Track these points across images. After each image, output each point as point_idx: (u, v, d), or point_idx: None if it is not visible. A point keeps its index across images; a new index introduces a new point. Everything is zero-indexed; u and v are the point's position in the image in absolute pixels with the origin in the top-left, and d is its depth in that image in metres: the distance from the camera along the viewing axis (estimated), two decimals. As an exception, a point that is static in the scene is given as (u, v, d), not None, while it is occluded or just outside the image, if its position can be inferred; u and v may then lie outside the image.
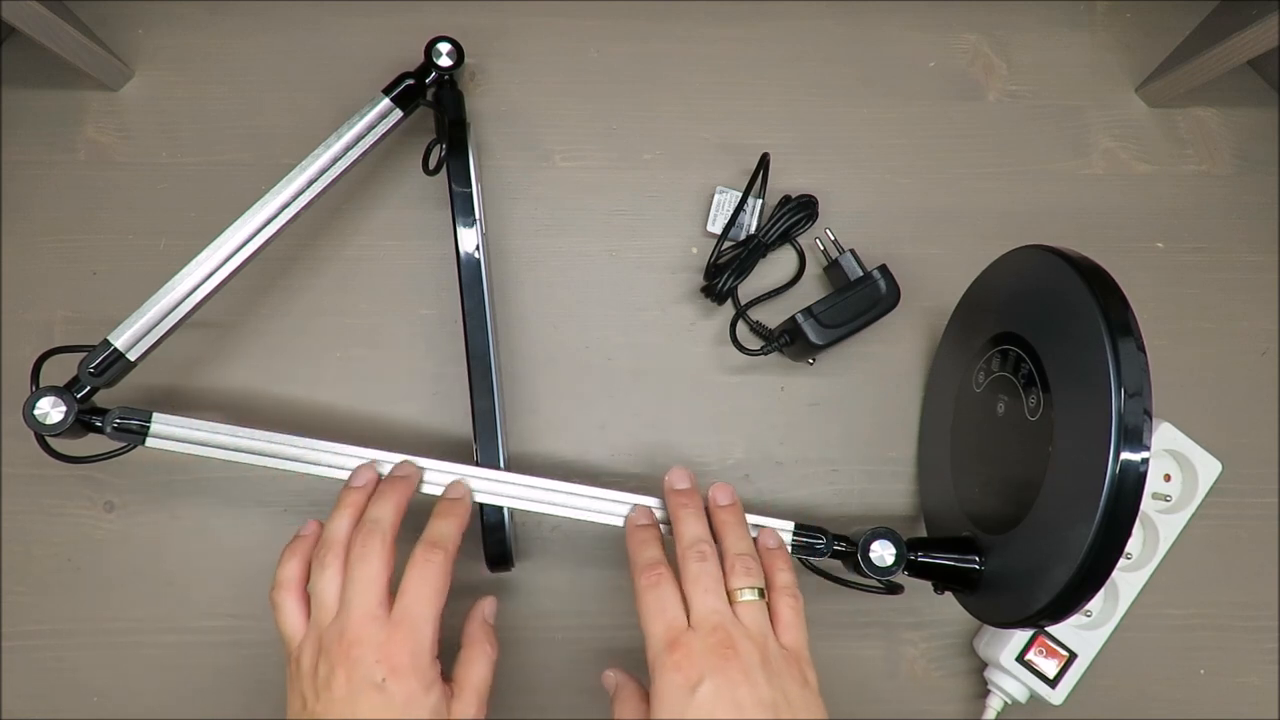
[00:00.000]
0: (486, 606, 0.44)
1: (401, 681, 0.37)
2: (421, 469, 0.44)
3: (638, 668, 0.52)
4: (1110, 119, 0.60)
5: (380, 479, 0.44)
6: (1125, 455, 0.34)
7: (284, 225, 0.47)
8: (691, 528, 0.42)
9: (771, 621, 0.40)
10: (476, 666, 0.41)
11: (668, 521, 0.44)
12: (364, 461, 0.44)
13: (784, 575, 0.42)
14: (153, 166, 0.56)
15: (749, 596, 0.40)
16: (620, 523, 0.44)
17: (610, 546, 0.53)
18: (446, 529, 0.42)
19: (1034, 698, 0.50)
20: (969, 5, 0.62)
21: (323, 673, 0.37)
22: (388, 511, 0.41)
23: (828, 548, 0.45)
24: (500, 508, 0.46)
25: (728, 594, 0.40)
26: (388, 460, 0.44)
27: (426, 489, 0.44)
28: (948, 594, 0.46)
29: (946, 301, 0.52)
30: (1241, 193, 0.60)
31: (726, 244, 0.55)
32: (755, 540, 0.43)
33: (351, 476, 0.43)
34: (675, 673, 0.37)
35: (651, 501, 0.45)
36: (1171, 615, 0.53)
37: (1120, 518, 0.34)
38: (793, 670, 0.38)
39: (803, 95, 0.59)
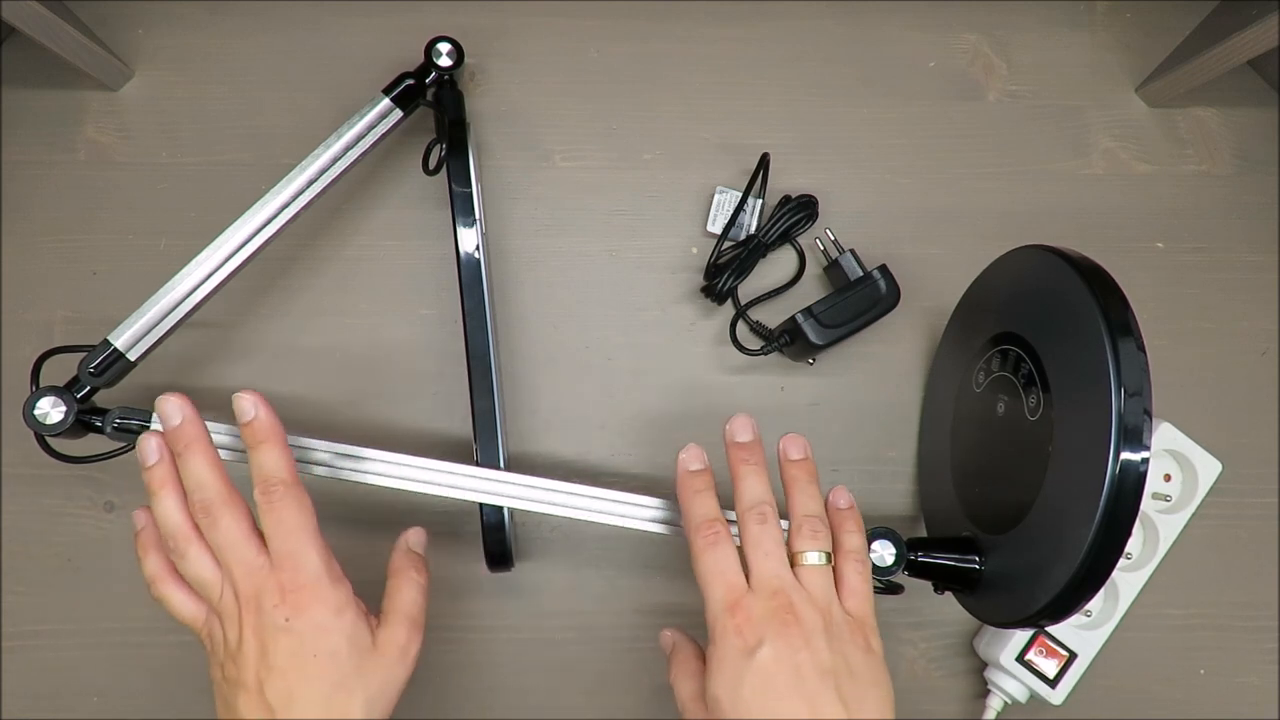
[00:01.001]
0: (412, 536, 0.43)
1: (305, 615, 0.36)
2: (186, 401, 0.40)
3: (637, 669, 0.52)
4: (1110, 119, 0.60)
5: (167, 436, 0.40)
6: (1125, 455, 0.34)
7: (284, 225, 0.47)
8: (753, 487, 0.40)
9: (837, 586, 0.39)
10: (403, 593, 0.40)
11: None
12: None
13: (852, 538, 0.40)
14: (153, 166, 0.56)
15: (814, 560, 0.38)
16: (620, 523, 0.44)
17: (610, 546, 0.53)
18: (268, 459, 0.39)
19: (1034, 698, 0.50)
20: (969, 5, 0.62)
21: (231, 638, 0.37)
22: (202, 469, 0.38)
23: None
24: (500, 508, 0.46)
25: (791, 556, 0.39)
26: (367, 455, 0.44)
27: (424, 488, 0.44)
28: (948, 594, 0.46)
29: (946, 301, 0.52)
30: (1241, 193, 0.60)
31: (726, 244, 0.55)
32: (826, 498, 0.42)
33: (142, 456, 0.39)
34: (735, 636, 0.36)
35: (655, 501, 0.45)
36: (1171, 615, 0.53)
37: (1120, 518, 0.34)
38: (856, 637, 0.37)
39: (803, 95, 0.59)
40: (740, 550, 0.39)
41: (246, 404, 0.40)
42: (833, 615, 0.37)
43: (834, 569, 0.39)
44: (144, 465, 0.39)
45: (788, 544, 0.39)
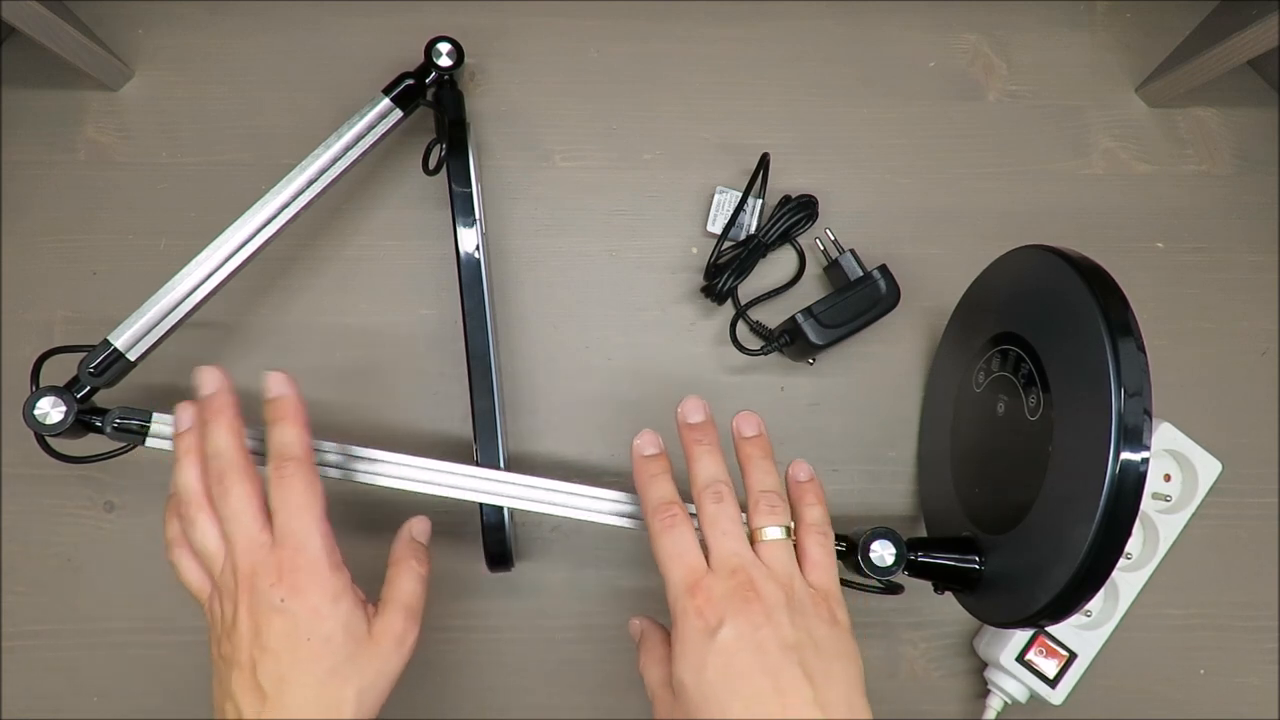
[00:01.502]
0: (415, 525, 0.43)
1: (301, 598, 0.36)
2: (223, 374, 0.41)
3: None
4: (1110, 119, 0.60)
5: (198, 406, 0.40)
6: (1125, 455, 0.34)
7: (284, 225, 0.47)
8: (706, 467, 0.40)
9: (800, 560, 0.38)
10: (402, 582, 0.40)
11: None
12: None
13: (813, 510, 0.40)
14: (153, 166, 0.56)
15: (774, 535, 0.38)
16: (620, 523, 0.44)
17: (610, 546, 0.53)
18: (285, 435, 0.39)
19: (1034, 698, 0.50)
20: (969, 5, 0.62)
21: (228, 615, 0.37)
22: (223, 438, 0.38)
23: (828, 548, 0.45)
24: (500, 508, 0.46)
25: (751, 534, 0.38)
26: (367, 455, 0.44)
27: (424, 488, 0.44)
28: (948, 594, 0.46)
29: (946, 301, 0.52)
30: (1241, 193, 0.60)
31: (726, 244, 0.55)
32: (785, 473, 0.41)
33: (176, 421, 0.40)
34: (695, 617, 0.36)
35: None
36: (1171, 615, 0.53)
37: (1120, 518, 0.34)
38: (820, 610, 0.37)
39: (803, 95, 0.59)
40: (699, 532, 0.38)
41: (275, 381, 0.40)
42: (795, 589, 0.37)
43: (796, 543, 0.39)
44: (175, 432, 0.40)
45: (746, 522, 0.39)
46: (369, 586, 0.40)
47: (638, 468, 0.41)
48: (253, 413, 0.53)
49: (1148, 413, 0.34)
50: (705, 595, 0.36)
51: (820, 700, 0.34)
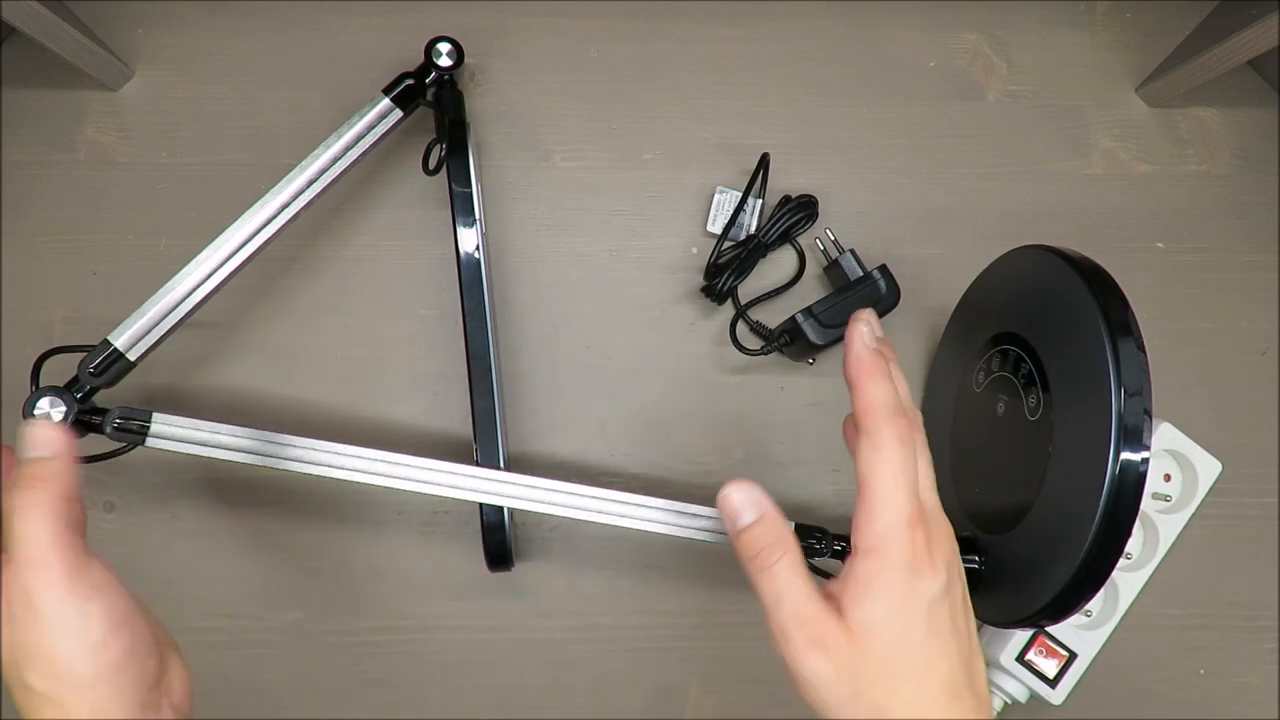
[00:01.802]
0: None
1: None
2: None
3: (637, 669, 0.52)
4: (1110, 119, 0.60)
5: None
6: (1125, 455, 0.34)
7: (284, 225, 0.47)
8: (905, 388, 0.35)
9: None
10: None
11: None
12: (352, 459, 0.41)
13: None
14: (153, 166, 0.56)
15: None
16: (620, 523, 0.44)
17: (610, 546, 0.53)
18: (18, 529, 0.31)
19: (1034, 698, 0.50)
20: (969, 5, 0.62)
21: None
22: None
23: (827, 548, 0.45)
24: (500, 508, 0.46)
25: None
26: (368, 455, 0.44)
27: (424, 488, 0.44)
28: (948, 594, 0.46)
29: (946, 301, 0.52)
30: (1241, 193, 0.60)
31: (726, 244, 0.55)
32: None
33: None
34: (910, 552, 0.31)
35: (655, 501, 0.45)
36: (1171, 615, 0.53)
37: (1120, 518, 0.34)
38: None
39: (803, 95, 0.59)
40: None
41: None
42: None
43: None
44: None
45: None
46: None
47: (860, 358, 0.34)
48: (251, 413, 0.53)
49: (1148, 413, 0.34)
50: (927, 534, 0.32)
51: (984, 677, 0.33)
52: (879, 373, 0.33)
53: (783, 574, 0.33)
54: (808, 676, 0.32)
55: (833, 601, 0.32)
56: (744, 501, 0.35)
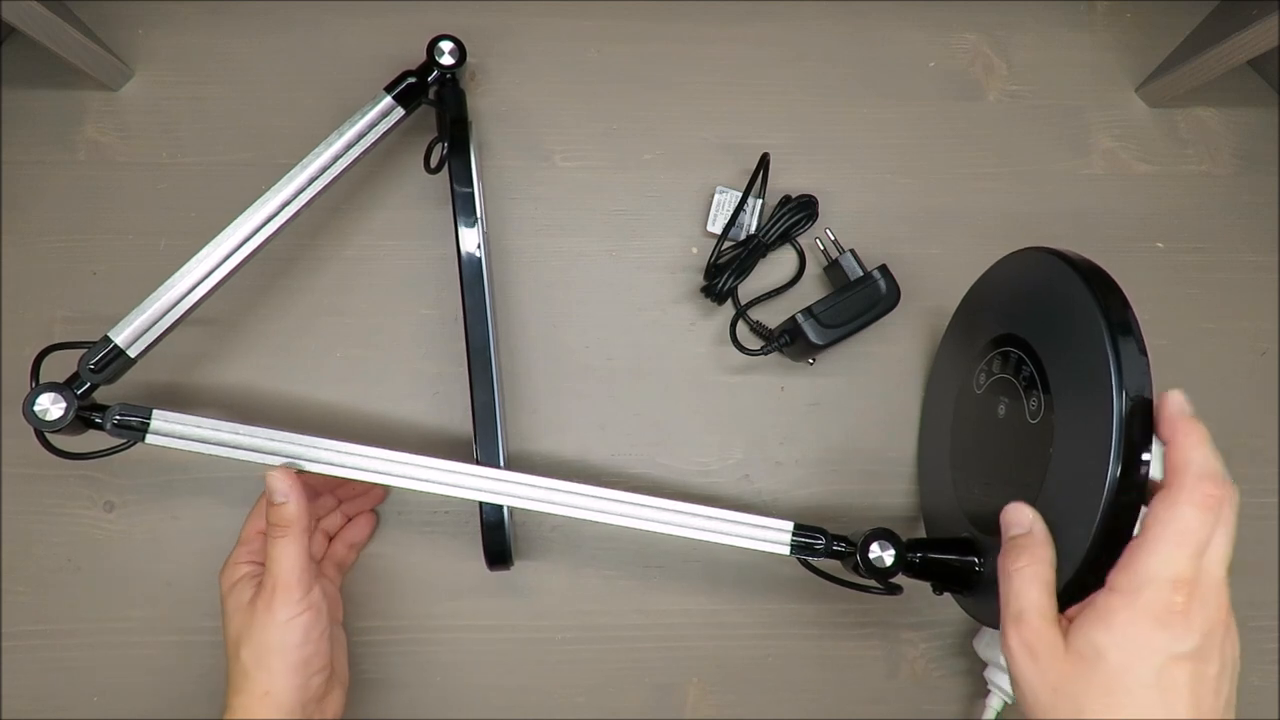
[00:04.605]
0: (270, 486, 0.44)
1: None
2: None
3: (637, 669, 0.52)
4: (1110, 119, 0.60)
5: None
6: (1126, 457, 0.34)
7: (285, 222, 0.47)
8: (1218, 463, 0.34)
9: None
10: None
11: None
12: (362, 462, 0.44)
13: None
14: (153, 166, 0.56)
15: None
16: (620, 523, 0.44)
17: (610, 546, 0.53)
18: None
19: (1034, 698, 0.49)
20: (969, 5, 0.62)
21: None
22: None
23: (827, 548, 0.45)
24: (500, 506, 0.46)
25: None
26: (368, 454, 0.44)
27: (424, 486, 0.44)
28: (947, 594, 0.46)
29: (946, 301, 0.52)
30: (1241, 193, 0.60)
31: (726, 244, 0.55)
32: None
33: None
34: (1166, 612, 0.32)
35: (655, 501, 0.45)
36: (1171, 615, 0.53)
37: (1121, 520, 0.34)
38: (1234, 679, 0.34)
39: (803, 95, 0.59)
40: None
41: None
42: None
43: None
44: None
45: None
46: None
47: (1186, 422, 0.34)
48: (251, 411, 0.53)
49: (1149, 414, 0.34)
50: (1190, 599, 0.32)
51: None
52: (1198, 435, 0.34)
53: (1020, 579, 0.36)
54: (1014, 674, 0.35)
55: (1066, 622, 0.34)
56: (1018, 519, 0.38)
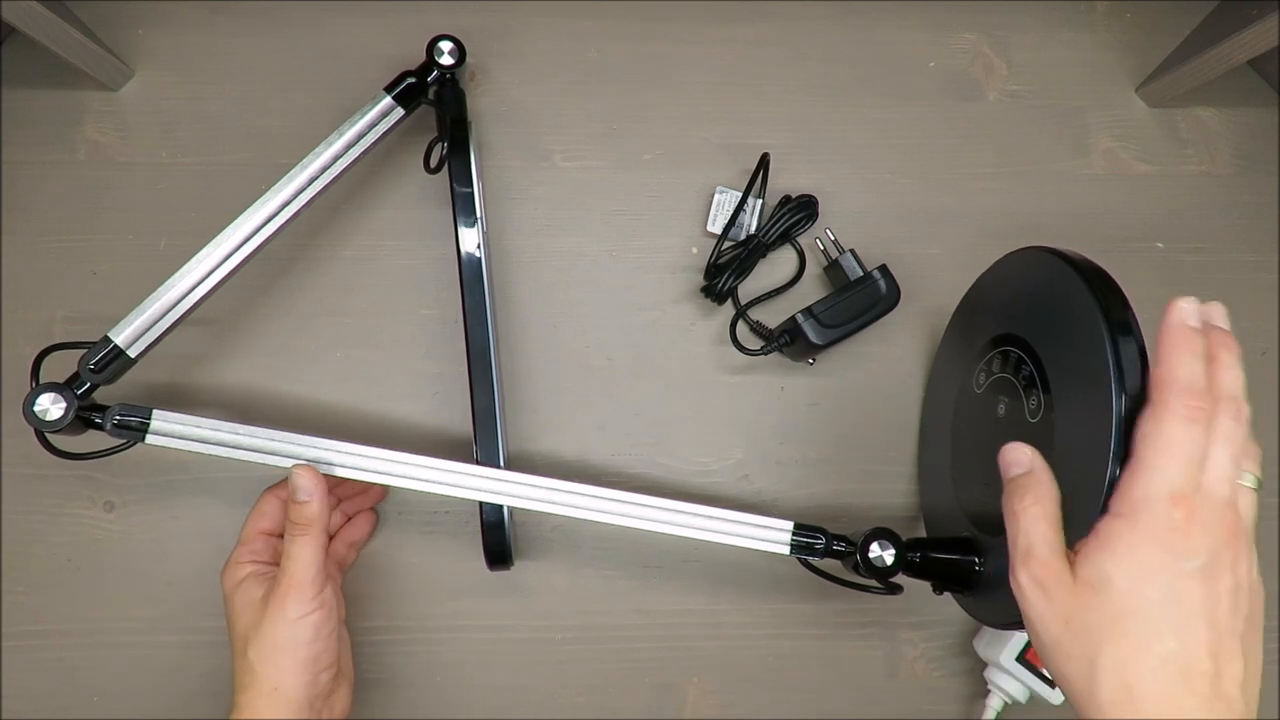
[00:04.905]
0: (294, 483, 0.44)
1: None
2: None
3: (637, 669, 0.52)
4: (1110, 119, 0.60)
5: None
6: (1126, 456, 0.34)
7: (285, 223, 0.47)
8: (1236, 380, 0.35)
9: None
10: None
11: None
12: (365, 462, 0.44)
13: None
14: (153, 166, 0.56)
15: (1250, 483, 0.33)
16: (620, 523, 0.44)
17: (610, 546, 0.53)
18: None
19: (1034, 698, 0.50)
20: (969, 5, 0.62)
21: None
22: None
23: (827, 548, 0.45)
24: (500, 506, 0.46)
25: None
26: (368, 454, 0.45)
27: (424, 486, 0.44)
28: (947, 594, 0.46)
29: (946, 301, 0.52)
30: (1241, 193, 0.60)
31: (726, 244, 0.55)
32: None
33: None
34: (1166, 530, 0.31)
35: (655, 501, 0.45)
36: (1171, 615, 0.53)
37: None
38: (1257, 597, 0.33)
39: (803, 95, 0.59)
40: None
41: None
42: (1254, 562, 0.33)
43: None
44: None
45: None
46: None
47: (1176, 334, 0.34)
48: (251, 411, 0.53)
49: (1148, 413, 0.34)
50: (1190, 515, 0.31)
51: (1244, 687, 0.32)
52: (1185, 349, 0.34)
53: (1026, 517, 0.35)
54: (1026, 613, 0.34)
55: (1074, 556, 0.33)
56: (1017, 458, 0.37)
